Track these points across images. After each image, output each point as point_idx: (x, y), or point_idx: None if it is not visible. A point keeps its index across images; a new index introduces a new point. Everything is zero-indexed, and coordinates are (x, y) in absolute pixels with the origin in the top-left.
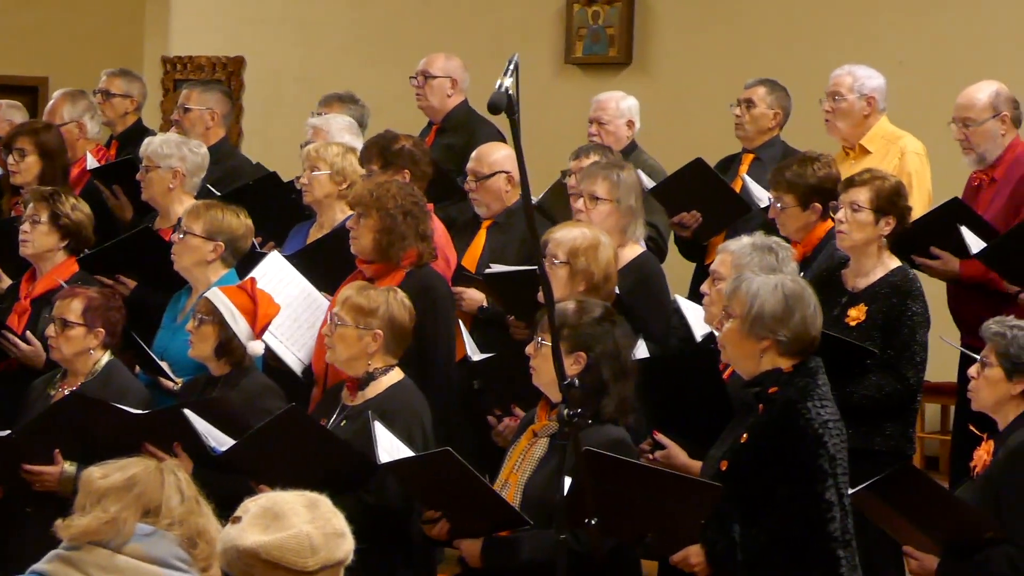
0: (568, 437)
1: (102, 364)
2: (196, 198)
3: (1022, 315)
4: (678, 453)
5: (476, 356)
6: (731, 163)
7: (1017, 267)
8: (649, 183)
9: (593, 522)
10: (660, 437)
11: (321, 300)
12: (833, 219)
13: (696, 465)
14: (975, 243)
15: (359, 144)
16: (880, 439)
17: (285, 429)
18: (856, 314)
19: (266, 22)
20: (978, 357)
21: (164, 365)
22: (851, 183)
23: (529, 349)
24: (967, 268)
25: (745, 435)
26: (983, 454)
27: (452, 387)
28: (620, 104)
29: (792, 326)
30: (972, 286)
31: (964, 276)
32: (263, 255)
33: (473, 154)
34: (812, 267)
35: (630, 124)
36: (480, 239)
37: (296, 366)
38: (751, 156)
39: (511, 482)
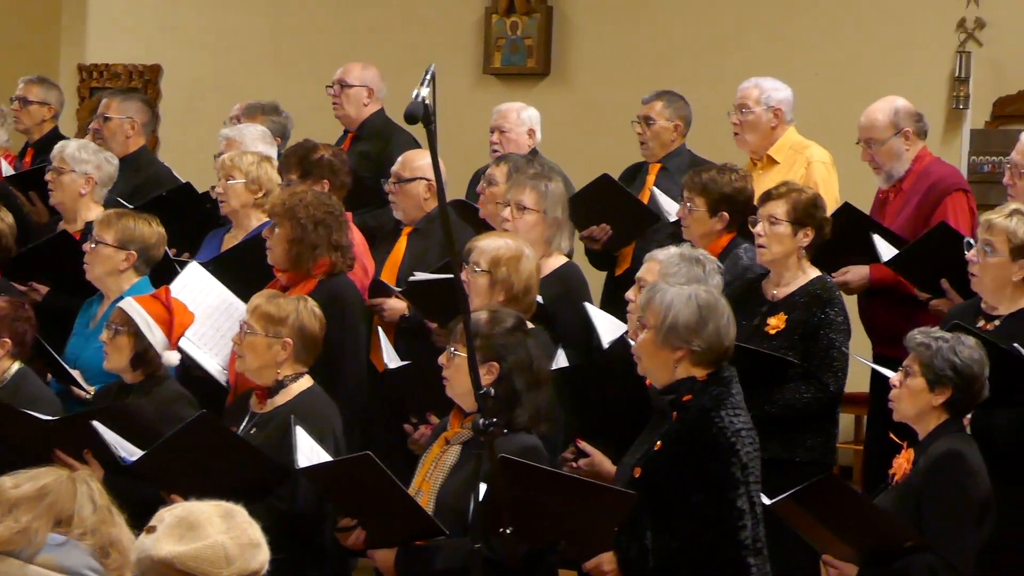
0: (482, 446)
1: (11, 373)
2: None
3: (932, 322)
4: (602, 461)
5: (392, 364)
6: (638, 171)
7: (927, 274)
8: None
9: (508, 531)
10: (584, 445)
11: (242, 308)
12: (747, 231)
13: None
14: (886, 250)
15: (273, 153)
16: (802, 449)
17: (196, 437)
18: (776, 323)
19: (183, 30)
20: (883, 370)
21: (76, 373)
22: (769, 196)
23: (442, 359)
24: (878, 272)
25: (659, 442)
26: (903, 462)
27: (361, 395)
28: (521, 114)
29: (706, 336)
30: (882, 292)
31: (874, 280)
32: (178, 264)
33: (400, 157)
34: None
35: (531, 133)
36: (401, 246)
37: (220, 375)
38: (658, 166)
39: (424, 489)
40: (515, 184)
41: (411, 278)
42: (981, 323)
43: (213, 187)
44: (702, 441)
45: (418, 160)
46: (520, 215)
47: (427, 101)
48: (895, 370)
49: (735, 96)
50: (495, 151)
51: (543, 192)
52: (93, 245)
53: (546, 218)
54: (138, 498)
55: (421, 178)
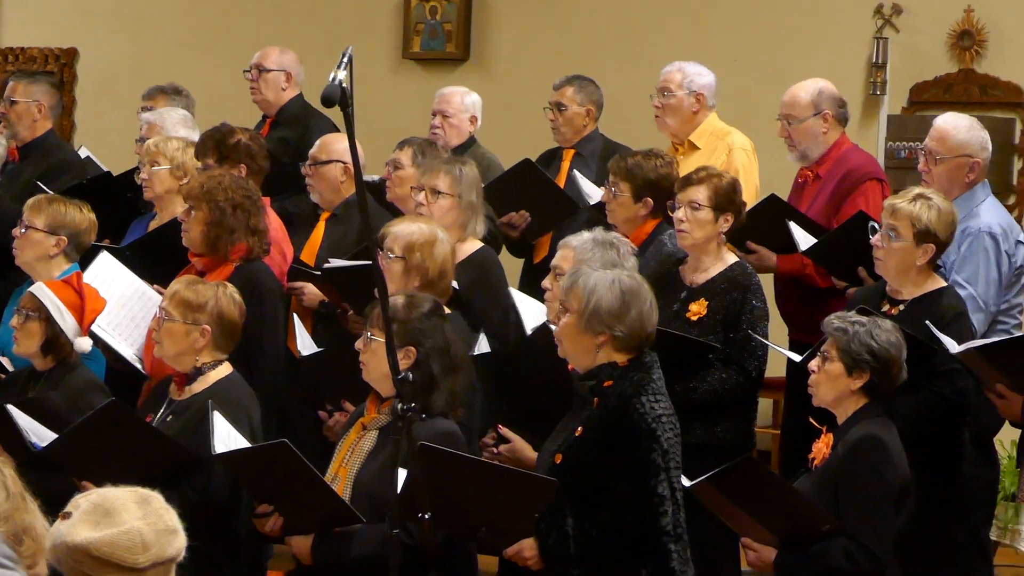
0: (399, 431)
1: None
2: (25, 194)
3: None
4: (523, 447)
5: (306, 351)
6: (552, 158)
7: (844, 263)
8: None
9: (426, 516)
10: (504, 431)
11: (154, 296)
12: (671, 217)
13: None
14: (804, 239)
15: (195, 137)
16: (722, 432)
17: (106, 424)
18: (697, 308)
19: (99, 14)
20: (789, 354)
21: (5, 361)
22: (688, 182)
23: (359, 344)
24: (784, 263)
25: (580, 428)
26: (822, 447)
27: (280, 382)
28: (464, 99)
29: (628, 322)
30: (790, 279)
31: (781, 270)
32: (95, 253)
33: (318, 140)
34: (642, 263)
35: (473, 120)
36: (319, 231)
37: (137, 363)
38: (572, 152)
39: (341, 475)
40: (429, 169)
41: (326, 265)
42: (886, 307)
43: (134, 170)
44: (623, 427)
45: (335, 143)
46: (434, 199)
47: (344, 84)
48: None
49: (653, 81)
50: (435, 134)
51: (457, 176)
52: (23, 230)
53: (461, 202)
54: (52, 486)
55: (338, 161)
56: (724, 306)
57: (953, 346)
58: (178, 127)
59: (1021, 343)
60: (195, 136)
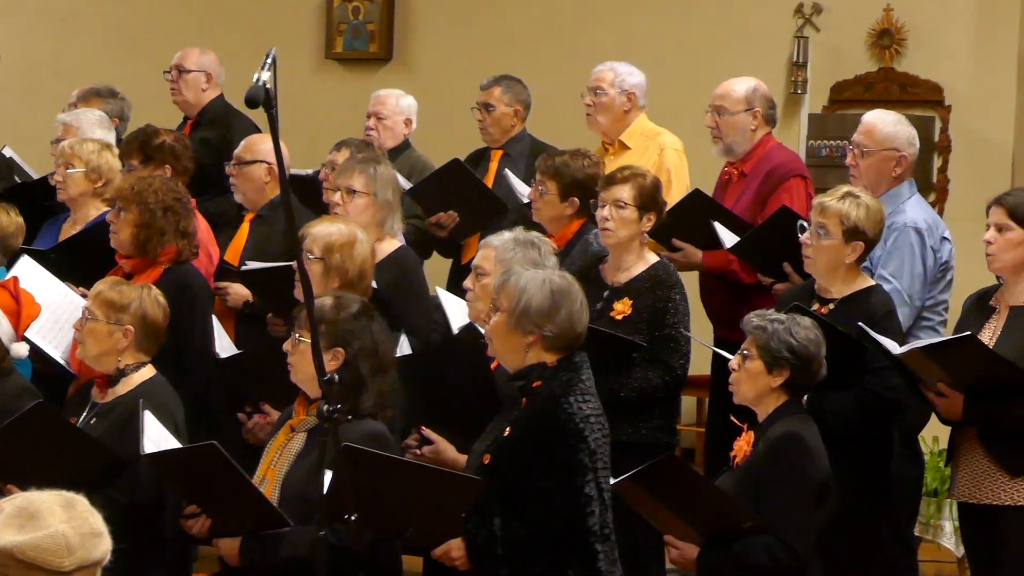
0: (327, 433)
1: None
2: None
3: (771, 306)
4: (446, 448)
5: (224, 353)
6: (480, 158)
7: (769, 259)
8: (406, 184)
9: (353, 518)
10: (427, 432)
11: (77, 299)
12: (594, 216)
13: (464, 460)
14: (728, 237)
15: (111, 138)
16: (646, 430)
17: (32, 427)
18: (621, 308)
19: (21, 14)
20: (724, 353)
21: None
22: (612, 180)
23: (287, 345)
24: (710, 259)
25: (508, 429)
26: (743, 444)
27: (209, 385)
28: (400, 102)
29: (558, 321)
30: (715, 277)
31: (707, 267)
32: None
33: (242, 141)
34: (567, 262)
35: (408, 122)
36: (243, 232)
37: (68, 367)
38: (500, 152)
39: (269, 477)
40: (344, 169)
41: (244, 267)
42: (816, 306)
43: (51, 174)
44: (550, 427)
45: (259, 144)
46: (350, 199)
47: (268, 85)
48: (734, 353)
49: (577, 81)
50: (369, 136)
51: (372, 175)
52: None
53: (377, 201)
54: None
55: (262, 161)
56: (649, 305)
57: (895, 347)
58: (94, 128)
59: (967, 342)
60: (111, 136)
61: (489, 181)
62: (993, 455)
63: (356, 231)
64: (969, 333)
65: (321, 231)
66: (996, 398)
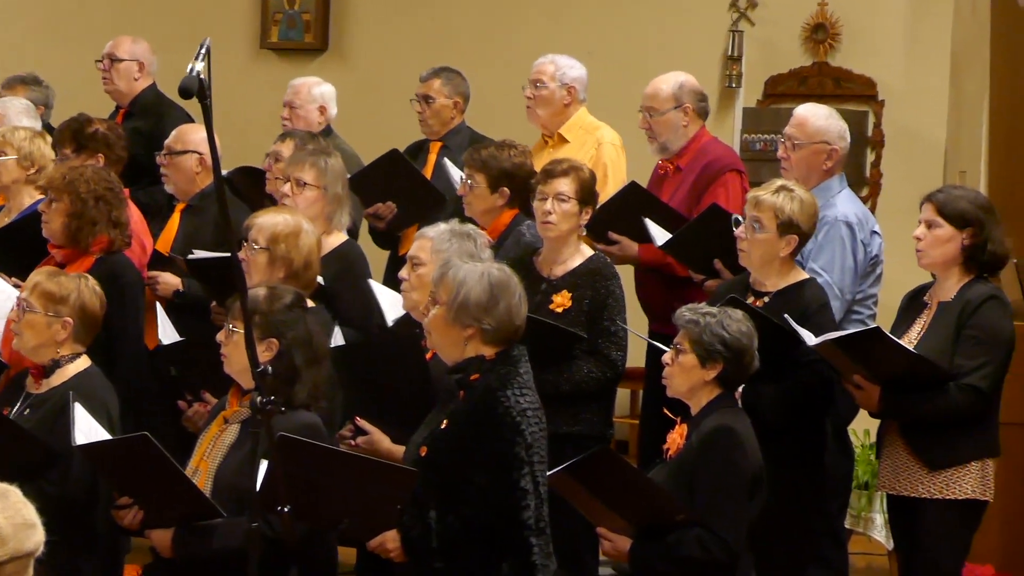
0: (260, 424)
1: None
2: None
3: (706, 300)
4: (381, 439)
5: (167, 340)
6: (419, 150)
7: (700, 256)
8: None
9: (286, 509)
10: (362, 423)
11: (10, 290)
12: (526, 207)
13: (400, 451)
14: (660, 234)
15: (39, 126)
16: (582, 423)
17: None
18: (561, 300)
19: None
20: (661, 345)
21: None
22: (552, 174)
23: (220, 336)
24: (646, 252)
25: (446, 421)
26: (676, 437)
27: (141, 375)
28: (313, 90)
29: (497, 315)
30: (651, 270)
31: (643, 260)
32: None
33: (174, 131)
34: (500, 253)
35: (322, 110)
36: (174, 222)
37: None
38: (439, 144)
39: (202, 469)
40: (294, 160)
41: (190, 256)
42: (750, 299)
43: None
44: (487, 420)
45: (191, 134)
46: (300, 191)
47: (202, 75)
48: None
49: (515, 73)
50: (285, 125)
51: (323, 168)
52: None
53: (326, 194)
54: None
55: (194, 152)
56: (589, 297)
57: (810, 338)
58: (21, 117)
59: (873, 334)
60: (37, 124)
61: (428, 173)
62: (913, 449)
63: (302, 221)
64: (875, 326)
65: (267, 221)
66: (912, 392)
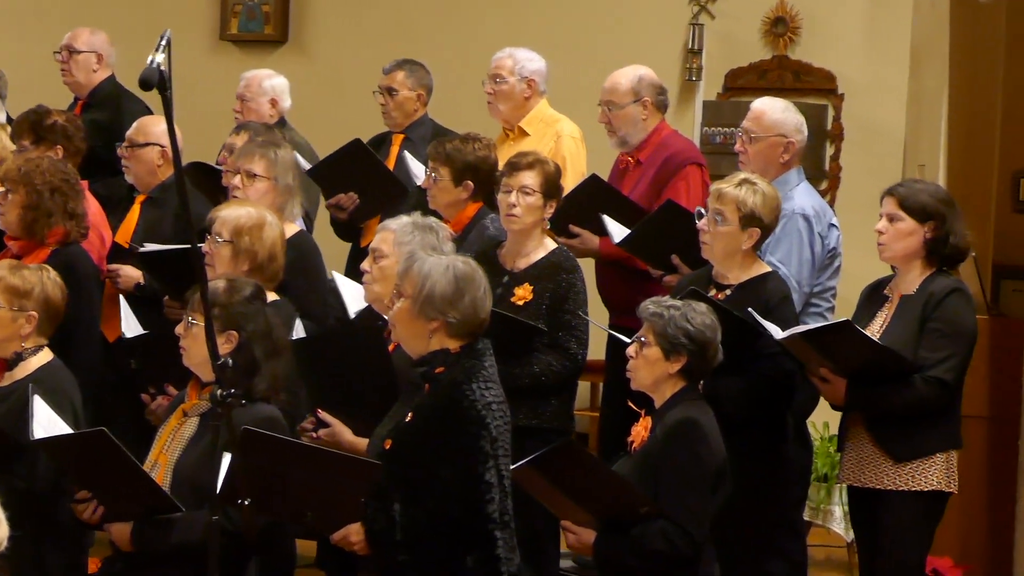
0: (220, 417)
1: None
2: None
3: (667, 293)
4: (343, 431)
5: (130, 333)
6: (382, 142)
7: (658, 252)
8: (306, 164)
9: (246, 502)
10: (324, 415)
11: None
12: (490, 200)
13: (362, 443)
14: (618, 231)
15: (2, 117)
16: (545, 416)
17: None
18: (522, 293)
19: None
20: (622, 337)
21: None
22: (517, 167)
23: (179, 329)
24: (606, 246)
25: (410, 414)
26: (641, 430)
27: (96, 367)
28: (264, 83)
29: (462, 308)
30: (612, 263)
31: (604, 253)
32: None
33: (135, 122)
34: (464, 246)
35: (273, 102)
36: (134, 214)
37: None
38: (401, 136)
39: (161, 462)
40: (244, 152)
41: (141, 249)
42: (712, 292)
43: None
44: (452, 414)
45: (153, 126)
46: (251, 183)
47: (162, 67)
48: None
49: (475, 66)
50: (237, 119)
51: (273, 159)
52: None
53: (277, 185)
54: None
55: (155, 144)
56: (550, 290)
57: (777, 332)
58: None
59: (842, 328)
60: (1, 116)
61: (390, 165)
62: (879, 441)
63: (265, 214)
64: (845, 319)
65: (230, 214)
66: (878, 384)
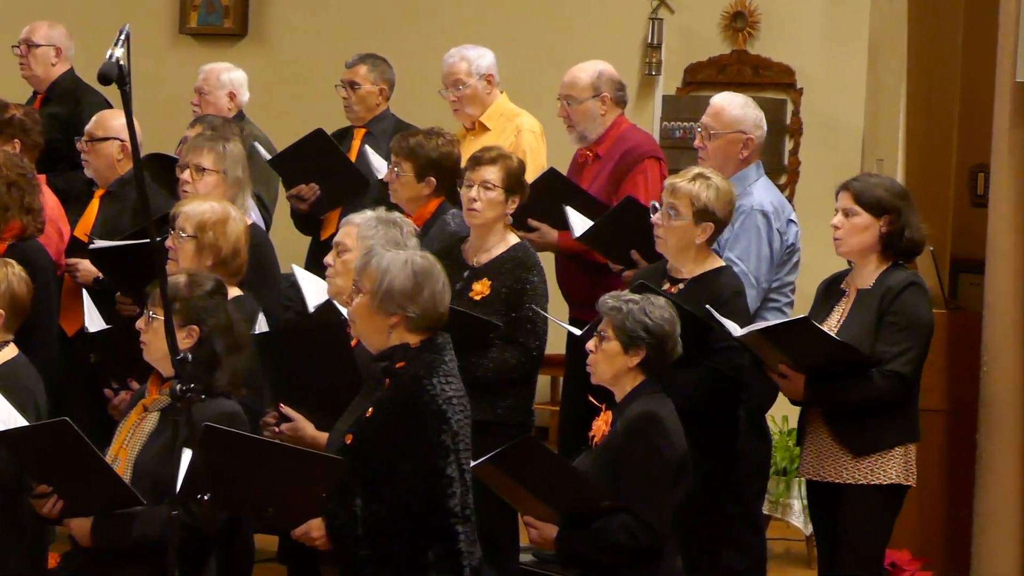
0: (180, 412)
1: None
2: None
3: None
4: (305, 426)
5: (93, 327)
6: (343, 137)
7: (617, 247)
8: (267, 155)
9: (205, 497)
10: (286, 410)
11: None
12: (452, 196)
13: (324, 438)
14: (580, 223)
15: None
16: (502, 411)
17: None
18: (480, 288)
19: None
20: (574, 329)
21: None
22: (480, 161)
23: (140, 323)
24: (565, 240)
25: (371, 409)
26: (601, 424)
27: (55, 362)
28: (222, 76)
29: (421, 302)
30: (572, 257)
31: (563, 248)
32: None
33: (94, 116)
34: (426, 242)
35: (232, 96)
36: (93, 208)
37: None
38: (363, 130)
39: (121, 457)
40: (192, 146)
41: (92, 246)
42: (667, 285)
43: None
44: (413, 408)
45: (112, 120)
46: (200, 177)
47: (121, 62)
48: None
49: (436, 60)
50: (195, 112)
51: (221, 153)
52: None
53: (227, 179)
54: None
55: (114, 138)
56: (507, 286)
57: (736, 329)
58: None
59: (801, 324)
60: None
61: (353, 156)
62: (837, 436)
63: (229, 209)
64: (804, 316)
65: (194, 209)
66: (836, 379)
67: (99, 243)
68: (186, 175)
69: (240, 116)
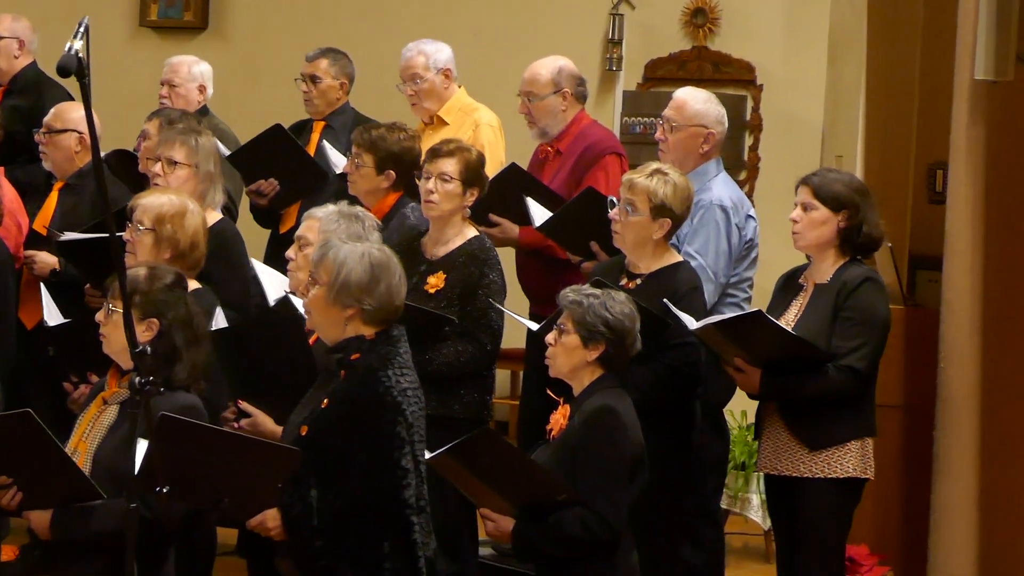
0: (139, 405)
1: None
2: None
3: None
4: (264, 420)
5: (52, 321)
6: (302, 130)
7: (577, 239)
8: (225, 150)
9: (164, 489)
10: (244, 405)
11: None
12: (411, 190)
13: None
14: (539, 214)
15: None
16: (459, 405)
17: None
18: (435, 281)
19: None
20: (530, 323)
21: None
22: (438, 153)
23: (99, 316)
24: (526, 235)
25: (326, 400)
26: (559, 418)
27: (12, 355)
28: (192, 68)
29: (377, 295)
30: (532, 252)
31: (523, 243)
32: None
33: (52, 108)
34: (385, 235)
35: (201, 89)
36: (52, 200)
37: None
38: (322, 124)
39: (80, 450)
40: (165, 139)
41: (61, 238)
42: (624, 280)
43: None
44: (368, 400)
45: (71, 112)
46: (171, 170)
47: (81, 54)
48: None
49: (395, 54)
50: (163, 104)
51: (193, 147)
52: None
53: (198, 172)
54: None
55: (73, 130)
56: (462, 279)
57: (691, 323)
58: None
59: (755, 318)
60: None
61: (310, 153)
62: (793, 430)
63: (187, 202)
64: (757, 309)
65: (152, 202)
66: (791, 374)
67: (68, 235)
68: (158, 168)
69: (204, 110)
